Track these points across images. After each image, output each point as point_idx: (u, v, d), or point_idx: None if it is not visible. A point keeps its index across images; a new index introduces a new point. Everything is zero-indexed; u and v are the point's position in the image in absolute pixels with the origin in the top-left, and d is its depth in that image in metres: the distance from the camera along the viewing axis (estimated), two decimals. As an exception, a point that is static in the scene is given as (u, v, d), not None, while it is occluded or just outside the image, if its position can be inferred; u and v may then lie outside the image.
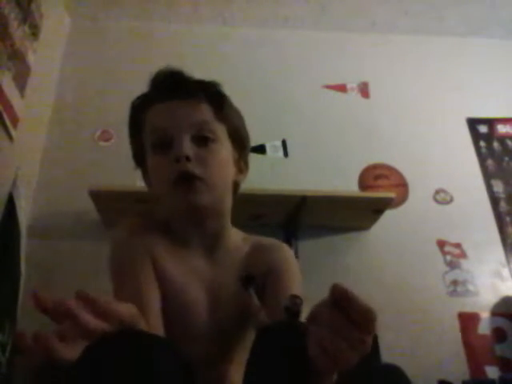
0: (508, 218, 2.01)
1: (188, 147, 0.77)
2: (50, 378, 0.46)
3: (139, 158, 0.88)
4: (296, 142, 2.08)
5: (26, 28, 1.74)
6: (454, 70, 2.34)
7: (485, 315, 1.80)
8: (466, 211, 1.99)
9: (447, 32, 2.39)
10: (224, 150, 0.83)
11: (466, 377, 1.66)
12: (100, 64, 2.19)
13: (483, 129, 2.21)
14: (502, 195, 2.05)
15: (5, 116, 1.57)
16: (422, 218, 1.96)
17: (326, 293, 0.45)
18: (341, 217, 1.82)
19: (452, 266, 1.89)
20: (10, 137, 1.63)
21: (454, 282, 1.85)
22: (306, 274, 1.78)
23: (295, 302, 0.51)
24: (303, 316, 0.50)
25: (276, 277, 0.83)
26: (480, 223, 1.98)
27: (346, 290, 0.43)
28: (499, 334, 1.77)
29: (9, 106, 1.60)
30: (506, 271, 1.90)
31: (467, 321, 1.79)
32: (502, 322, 1.79)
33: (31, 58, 1.79)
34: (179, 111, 0.81)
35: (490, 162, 2.14)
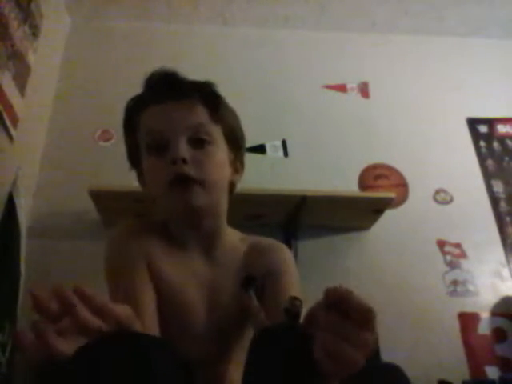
0: (508, 218, 2.01)
1: (184, 149, 0.77)
2: (50, 376, 0.46)
3: (134, 159, 0.88)
4: (296, 142, 2.08)
5: (26, 28, 1.74)
6: (454, 69, 2.34)
7: (485, 315, 1.80)
8: (466, 211, 1.99)
9: (447, 32, 2.39)
10: (220, 151, 0.83)
11: (466, 377, 1.66)
12: (100, 64, 2.19)
13: (483, 129, 2.21)
14: (502, 195, 2.05)
15: (5, 116, 1.57)
16: (422, 218, 1.96)
17: (326, 293, 0.45)
18: (341, 217, 1.82)
19: (452, 265, 1.89)
20: (10, 137, 1.63)
21: (454, 282, 1.85)
22: (306, 274, 1.78)
23: (294, 304, 0.51)
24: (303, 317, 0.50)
25: (275, 278, 0.83)
26: (480, 223, 1.98)
27: (343, 292, 0.43)
28: (499, 334, 1.77)
29: (9, 106, 1.60)
30: (506, 271, 1.90)
31: (467, 321, 1.79)
32: (502, 322, 1.79)
33: (31, 58, 1.79)
34: (175, 114, 0.81)
35: (489, 162, 2.14)
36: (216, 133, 0.83)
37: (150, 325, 0.72)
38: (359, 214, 1.82)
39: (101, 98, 2.08)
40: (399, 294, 1.79)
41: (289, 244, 1.81)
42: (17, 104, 1.66)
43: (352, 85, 2.27)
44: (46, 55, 1.98)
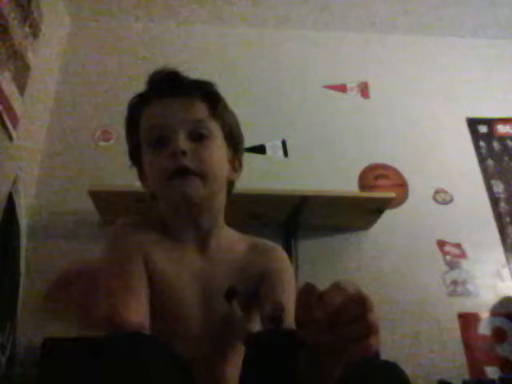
0: (508, 218, 2.01)
1: (183, 143, 0.79)
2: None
3: (135, 157, 0.89)
4: (296, 142, 2.08)
5: (26, 28, 1.74)
6: (454, 69, 2.34)
7: (485, 315, 1.80)
8: (465, 211, 1.99)
9: (447, 32, 2.39)
10: (218, 146, 0.85)
11: (466, 377, 1.66)
12: (100, 64, 2.19)
13: (483, 129, 2.21)
14: (502, 195, 2.05)
15: (5, 116, 1.57)
16: (422, 218, 1.96)
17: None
18: (341, 217, 1.82)
19: (452, 266, 1.89)
20: (10, 137, 1.63)
21: (454, 282, 1.85)
22: (306, 274, 1.79)
23: (276, 309, 0.52)
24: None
25: (270, 280, 0.84)
26: (480, 223, 1.98)
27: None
28: (499, 334, 1.77)
29: (9, 106, 1.60)
30: (506, 271, 1.90)
31: (467, 321, 1.79)
32: (501, 322, 1.79)
33: (31, 58, 1.79)
34: (175, 109, 0.83)
35: (489, 162, 2.13)
36: (215, 129, 0.85)
37: (143, 315, 0.73)
38: (359, 214, 1.82)
39: (101, 97, 2.08)
40: (399, 293, 1.79)
41: (289, 244, 1.81)
42: (17, 104, 1.66)
43: (352, 85, 2.27)
44: (46, 55, 1.98)
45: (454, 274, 1.87)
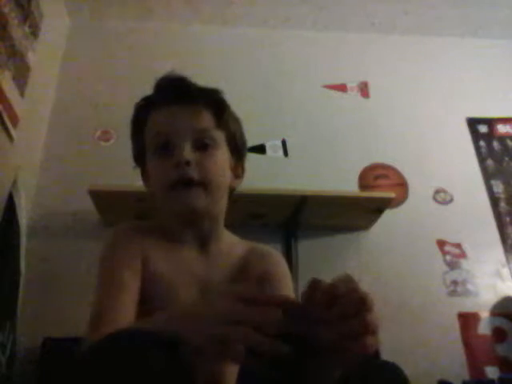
0: (508, 218, 2.01)
1: (188, 153, 0.80)
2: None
3: (139, 158, 0.90)
4: (296, 142, 2.08)
5: (26, 28, 1.74)
6: (454, 70, 2.34)
7: (485, 315, 1.80)
8: (466, 211, 1.99)
9: (447, 32, 2.39)
10: (222, 155, 0.86)
11: (466, 377, 1.66)
12: (100, 64, 2.19)
13: (483, 129, 2.21)
14: (502, 195, 2.05)
15: (5, 116, 1.57)
16: (422, 218, 1.96)
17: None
18: (340, 217, 1.82)
19: (452, 266, 1.89)
20: (10, 137, 1.63)
21: (454, 282, 1.85)
22: (306, 274, 1.78)
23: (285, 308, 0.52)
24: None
25: (268, 284, 0.85)
26: (480, 223, 1.98)
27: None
28: (499, 334, 1.77)
29: (9, 106, 1.60)
30: (506, 271, 1.90)
31: (467, 321, 1.79)
32: (501, 322, 1.79)
33: (31, 58, 1.79)
34: (181, 117, 0.84)
35: (489, 161, 2.14)
36: (220, 138, 0.86)
37: (128, 311, 0.74)
38: (359, 213, 1.82)
39: (101, 98, 2.08)
40: (399, 293, 1.79)
41: (289, 244, 1.81)
42: (17, 104, 1.66)
43: (352, 85, 2.27)
44: (46, 55, 1.98)
45: (454, 274, 1.87)
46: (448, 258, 1.90)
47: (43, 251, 1.73)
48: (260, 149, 2.03)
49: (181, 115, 0.84)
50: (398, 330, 1.69)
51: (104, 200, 1.68)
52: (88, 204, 1.69)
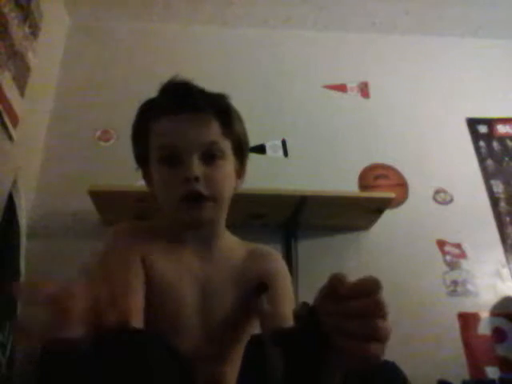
0: (508, 218, 2.01)
1: (197, 167, 0.79)
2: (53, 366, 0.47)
3: (142, 161, 0.89)
4: (296, 142, 2.08)
5: (26, 28, 1.74)
6: (453, 70, 2.34)
7: (485, 315, 1.80)
8: (466, 211, 1.99)
9: (447, 32, 2.39)
10: (229, 165, 0.86)
11: (466, 377, 1.66)
12: (100, 64, 2.19)
13: (483, 129, 2.21)
14: (502, 195, 2.05)
15: (5, 116, 1.57)
16: (422, 218, 1.96)
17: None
18: (340, 217, 1.82)
19: (452, 266, 1.89)
20: (10, 137, 1.63)
21: (454, 282, 1.85)
22: (306, 274, 1.78)
23: (304, 309, 0.51)
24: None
25: (272, 282, 0.85)
26: (480, 223, 1.98)
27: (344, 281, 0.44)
28: (499, 334, 1.77)
29: (9, 106, 1.60)
30: (506, 271, 1.90)
31: (467, 321, 1.79)
32: (501, 322, 1.79)
33: (31, 58, 1.79)
34: (189, 129, 0.82)
35: (489, 162, 2.14)
36: (227, 148, 0.85)
37: (137, 311, 0.74)
38: (359, 214, 1.82)
39: (101, 98, 2.08)
40: (399, 293, 1.78)
41: (289, 244, 1.81)
42: (17, 104, 1.66)
43: (352, 85, 2.27)
44: (46, 55, 1.98)
45: (454, 274, 1.87)
46: (448, 258, 1.90)
47: (43, 251, 1.73)
48: (260, 149, 2.03)
49: (188, 126, 0.82)
50: (398, 329, 1.69)
51: (104, 200, 1.68)
52: (88, 204, 1.69)
